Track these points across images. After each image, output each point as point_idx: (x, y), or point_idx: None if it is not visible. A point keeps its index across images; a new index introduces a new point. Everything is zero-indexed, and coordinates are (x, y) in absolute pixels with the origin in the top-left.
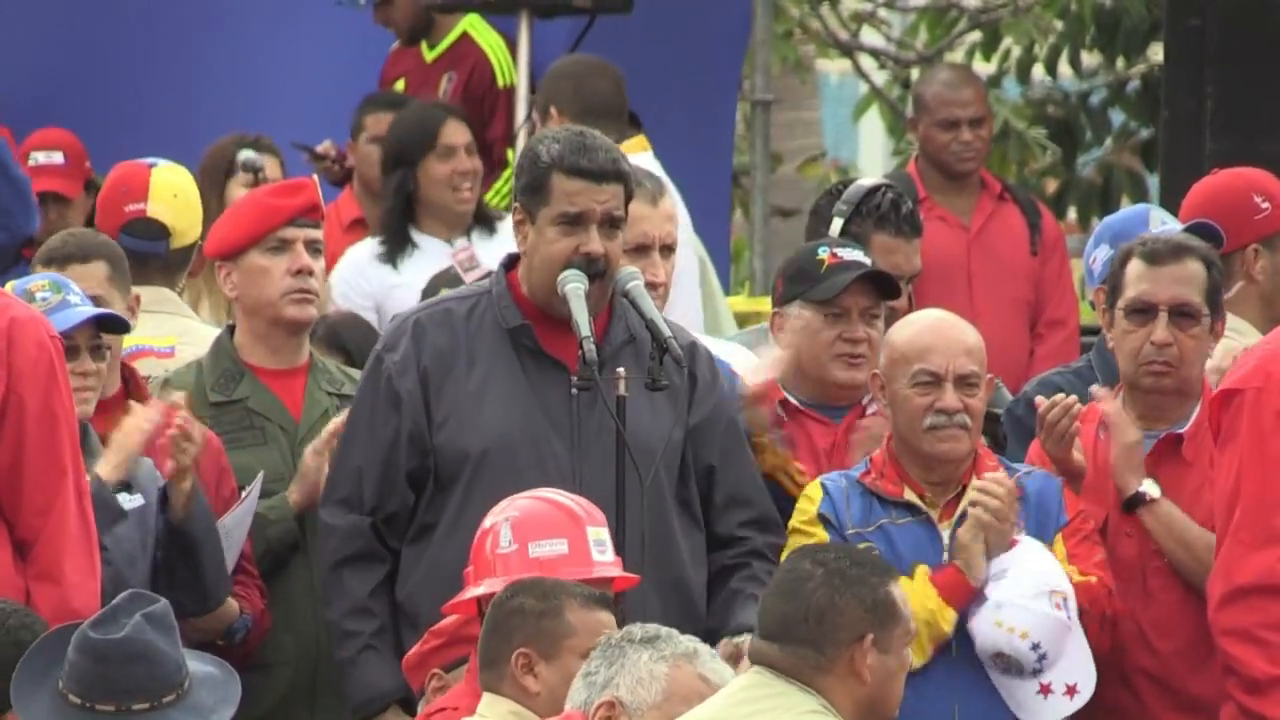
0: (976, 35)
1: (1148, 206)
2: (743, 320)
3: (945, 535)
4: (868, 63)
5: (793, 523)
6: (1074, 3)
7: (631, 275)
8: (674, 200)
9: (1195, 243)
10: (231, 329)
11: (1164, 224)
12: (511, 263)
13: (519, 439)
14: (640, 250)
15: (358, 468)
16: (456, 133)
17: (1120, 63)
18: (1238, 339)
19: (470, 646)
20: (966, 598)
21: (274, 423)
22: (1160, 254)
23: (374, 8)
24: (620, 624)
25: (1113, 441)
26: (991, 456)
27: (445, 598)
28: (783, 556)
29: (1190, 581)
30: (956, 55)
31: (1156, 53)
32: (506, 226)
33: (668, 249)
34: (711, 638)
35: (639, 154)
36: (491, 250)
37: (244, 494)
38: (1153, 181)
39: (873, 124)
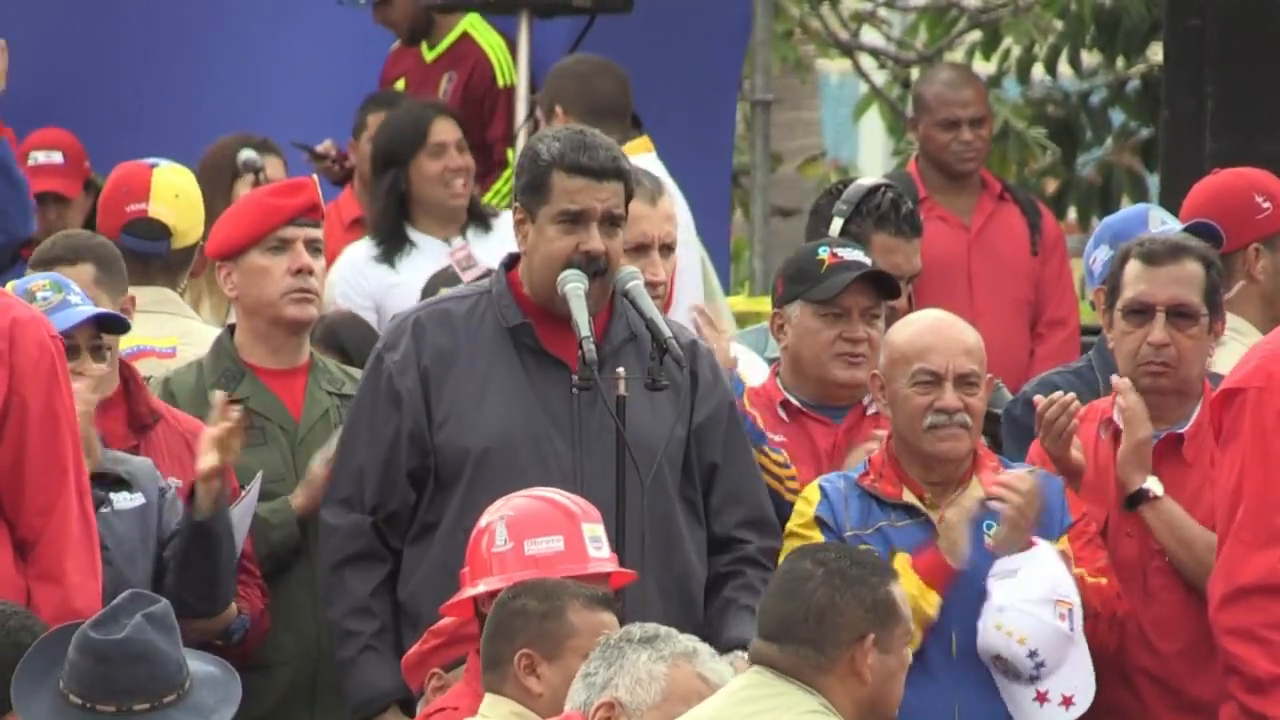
0: (976, 35)
1: (1148, 206)
2: (743, 320)
3: None
4: (868, 62)
5: (790, 525)
6: (1074, 2)
7: (631, 275)
8: (674, 200)
9: (1194, 243)
10: (232, 329)
11: (1164, 224)
12: (512, 262)
13: (520, 437)
14: (640, 249)
15: (359, 467)
16: (446, 130)
17: (1120, 62)
18: (1238, 339)
19: (469, 646)
20: (948, 580)
21: (274, 423)
22: (1158, 254)
23: (374, 8)
24: (621, 621)
25: (1125, 435)
26: (992, 456)
27: (447, 597)
28: (780, 560)
29: (1190, 581)
30: (956, 55)
31: (1156, 53)
32: (501, 224)
33: (667, 248)
34: None
35: (642, 155)
36: (488, 248)
37: (243, 493)
38: (1153, 181)
39: (873, 124)
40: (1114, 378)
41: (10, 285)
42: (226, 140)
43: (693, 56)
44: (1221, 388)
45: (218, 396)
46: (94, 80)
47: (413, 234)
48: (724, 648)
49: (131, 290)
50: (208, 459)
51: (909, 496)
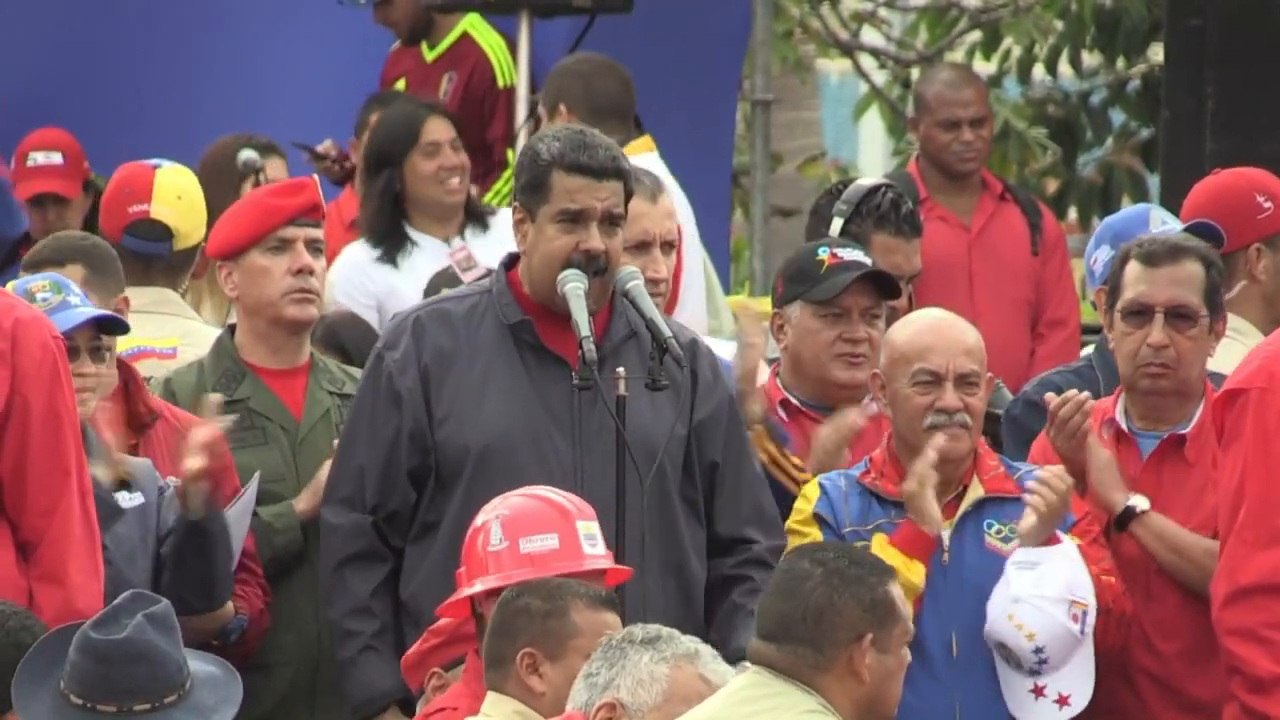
0: (977, 35)
1: (1148, 206)
2: None
3: (945, 536)
4: (868, 62)
5: (789, 522)
6: (1074, 3)
7: (631, 275)
8: (675, 199)
9: (1193, 243)
10: (232, 329)
11: (1165, 224)
12: (511, 261)
13: (520, 435)
14: (641, 247)
15: (359, 467)
16: (439, 129)
17: (1120, 63)
18: (1239, 339)
19: (469, 645)
20: (926, 547)
21: (275, 422)
22: (1157, 255)
23: (374, 8)
24: (620, 621)
25: (1089, 465)
26: (993, 456)
27: (450, 596)
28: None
29: (1191, 588)
30: (957, 55)
31: (1157, 53)
32: (499, 223)
33: (668, 245)
34: None
35: (644, 155)
36: (486, 247)
37: (241, 493)
38: (1153, 181)
39: (873, 124)
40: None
41: (10, 285)
42: (227, 140)
43: (693, 56)
44: (1224, 388)
45: (211, 399)
46: (94, 80)
47: (412, 233)
48: (732, 656)
49: (132, 291)
50: (194, 461)
51: None
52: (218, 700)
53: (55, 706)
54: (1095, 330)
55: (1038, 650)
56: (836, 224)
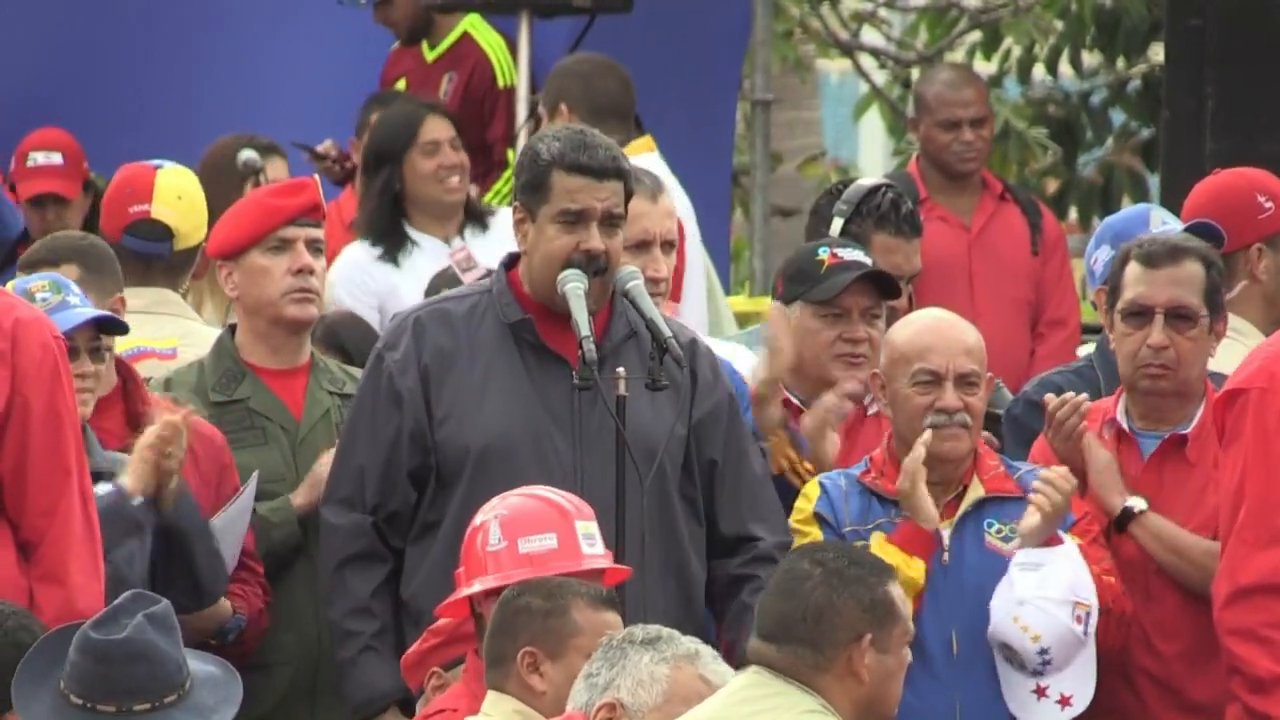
0: (977, 35)
1: (1148, 206)
2: (743, 320)
3: (945, 535)
4: (868, 62)
5: (789, 521)
6: (1074, 3)
7: (631, 274)
8: (676, 197)
9: (1194, 243)
10: (233, 328)
11: (1165, 224)
12: (512, 261)
13: (520, 435)
14: (641, 246)
15: (360, 467)
16: (438, 128)
17: (1121, 63)
18: (1239, 339)
19: (469, 645)
20: (926, 543)
21: (275, 422)
22: (1157, 256)
23: (374, 8)
24: (620, 617)
25: (1088, 466)
26: (993, 456)
27: (449, 596)
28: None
29: (1191, 589)
30: (957, 55)
31: (1157, 53)
32: (498, 222)
33: (668, 245)
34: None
35: (645, 154)
36: (485, 247)
37: (238, 493)
38: (1153, 181)
39: (873, 124)
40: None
41: (9, 285)
42: (227, 140)
43: (693, 56)
44: (1224, 388)
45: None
46: (94, 80)
47: (412, 232)
48: (744, 658)
49: (132, 292)
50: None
51: None
52: (218, 700)
53: (55, 706)
54: (1095, 330)
55: (1042, 651)
56: (836, 224)
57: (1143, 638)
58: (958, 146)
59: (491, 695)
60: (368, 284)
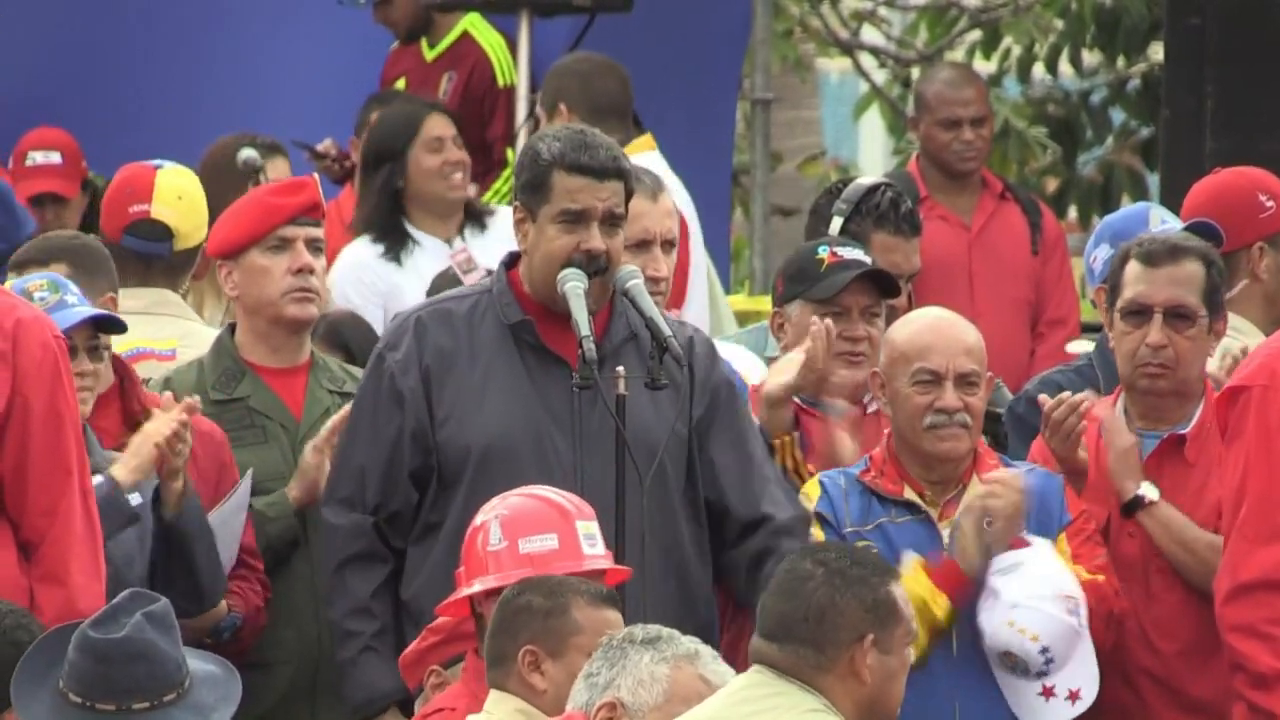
0: (977, 34)
1: (1148, 205)
2: (743, 319)
3: (945, 534)
4: (868, 61)
5: None
6: (1074, 2)
7: (631, 274)
8: (677, 195)
9: (1193, 242)
10: (233, 328)
11: (1164, 223)
12: (512, 261)
13: (520, 435)
14: (642, 246)
15: (360, 467)
16: (440, 125)
17: (1121, 62)
18: (1239, 339)
19: (468, 644)
20: (960, 588)
21: (275, 421)
22: (1156, 255)
23: (374, 7)
24: (621, 616)
25: (1109, 446)
26: (992, 455)
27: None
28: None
29: (1193, 582)
30: (957, 54)
31: (1157, 52)
32: (498, 222)
33: (669, 244)
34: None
35: (645, 153)
36: (485, 247)
37: (231, 491)
38: (1153, 180)
39: (873, 123)
40: (1086, 393)
41: (8, 285)
42: (228, 140)
43: (693, 56)
44: (1226, 386)
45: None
46: (94, 80)
47: (412, 231)
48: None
49: (132, 292)
50: (138, 460)
51: (910, 494)
52: (217, 699)
53: (54, 705)
54: (1095, 329)
55: (1044, 650)
56: (836, 223)
57: (1143, 636)
58: (958, 146)
59: (493, 694)
60: (374, 284)
